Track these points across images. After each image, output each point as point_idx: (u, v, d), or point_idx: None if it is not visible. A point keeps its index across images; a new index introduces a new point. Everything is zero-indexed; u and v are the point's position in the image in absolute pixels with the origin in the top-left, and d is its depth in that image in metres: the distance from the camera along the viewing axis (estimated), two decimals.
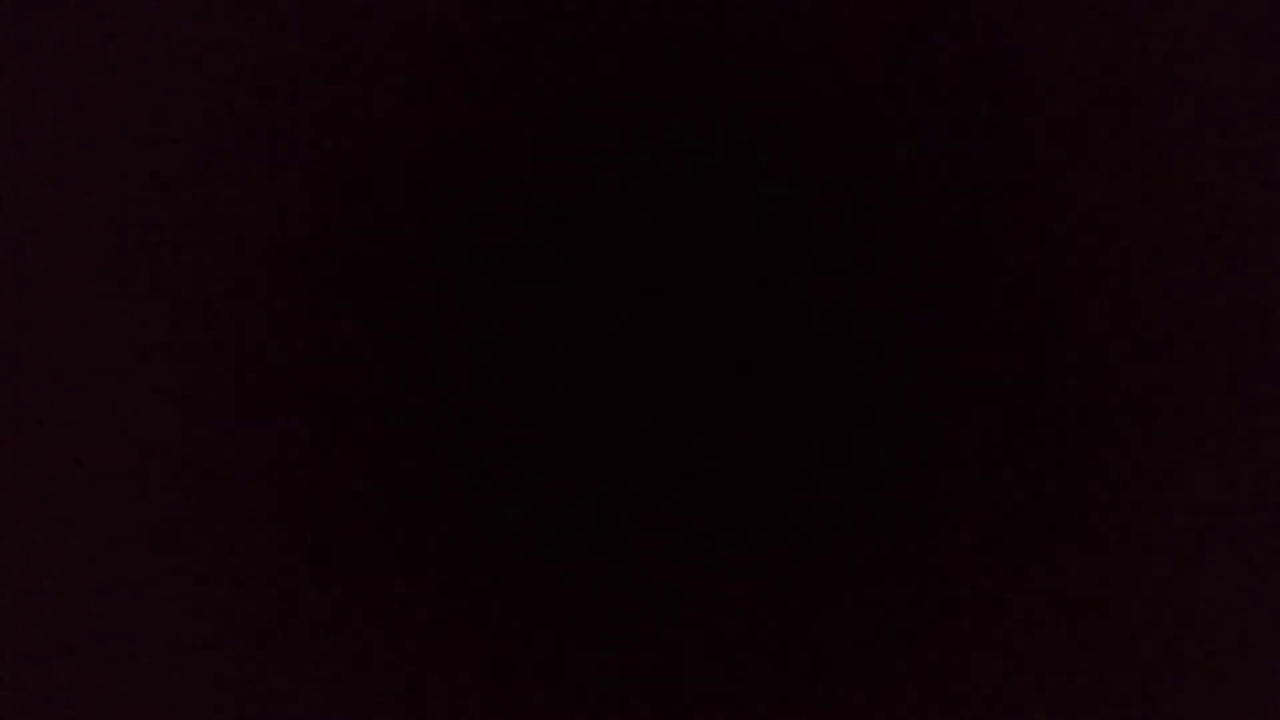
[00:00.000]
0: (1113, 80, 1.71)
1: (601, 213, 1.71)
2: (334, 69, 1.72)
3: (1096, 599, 1.68)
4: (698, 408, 1.70)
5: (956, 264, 1.70)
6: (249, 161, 1.71)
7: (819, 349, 1.70)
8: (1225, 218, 1.71)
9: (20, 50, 1.71)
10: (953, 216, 1.71)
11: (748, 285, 1.71)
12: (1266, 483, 1.69)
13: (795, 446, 1.70)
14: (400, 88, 1.72)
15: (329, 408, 1.70)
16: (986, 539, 1.69)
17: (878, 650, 1.68)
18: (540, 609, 1.69)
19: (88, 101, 1.72)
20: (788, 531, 1.69)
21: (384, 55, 1.72)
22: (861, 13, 1.71)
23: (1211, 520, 1.69)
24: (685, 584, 1.69)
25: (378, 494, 1.69)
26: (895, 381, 1.70)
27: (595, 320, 1.70)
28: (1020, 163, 1.71)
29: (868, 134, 1.71)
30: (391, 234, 1.71)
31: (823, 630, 1.68)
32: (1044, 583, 1.68)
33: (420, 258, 1.71)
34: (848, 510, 1.69)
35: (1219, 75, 1.72)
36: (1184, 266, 1.71)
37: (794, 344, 1.70)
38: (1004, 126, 1.71)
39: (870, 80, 1.71)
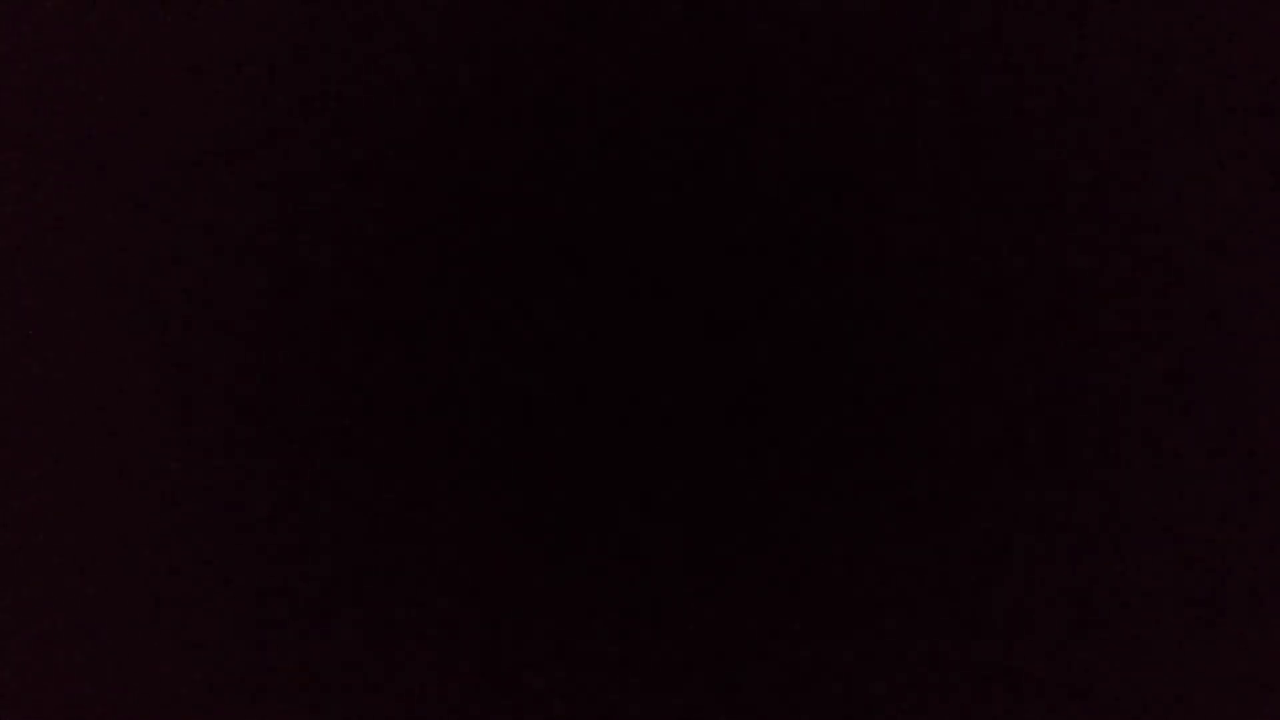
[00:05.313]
0: (1112, 80, 1.72)
1: (601, 213, 1.71)
2: (328, 69, 1.72)
3: (1096, 599, 1.68)
4: (695, 408, 1.71)
5: (957, 264, 1.70)
6: (249, 162, 1.72)
7: (818, 349, 1.70)
8: (1226, 218, 1.71)
9: (20, 50, 1.71)
10: (953, 217, 1.71)
11: (747, 285, 1.71)
12: (1266, 483, 1.69)
13: (793, 447, 1.70)
14: (398, 87, 1.72)
15: (328, 408, 1.70)
16: (986, 539, 1.69)
17: (876, 650, 1.68)
18: (539, 609, 1.69)
19: (87, 102, 1.72)
20: (786, 532, 1.69)
21: (380, 55, 1.72)
22: (861, 12, 1.71)
23: (1211, 520, 1.69)
24: (682, 584, 1.69)
25: (377, 494, 1.70)
26: (894, 381, 1.70)
27: (595, 322, 1.71)
28: (1019, 163, 1.71)
29: (865, 133, 1.71)
30: (392, 234, 1.71)
31: (820, 631, 1.68)
32: (1043, 583, 1.69)
33: (420, 258, 1.71)
34: (846, 511, 1.69)
35: (1219, 75, 1.72)
36: (1184, 266, 1.71)
37: (793, 344, 1.70)
38: (1003, 127, 1.71)
39: (868, 79, 1.71)
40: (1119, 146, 1.72)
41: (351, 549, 1.69)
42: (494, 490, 1.70)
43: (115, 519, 1.70)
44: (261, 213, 1.71)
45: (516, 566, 1.69)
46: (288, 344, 1.70)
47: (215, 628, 1.69)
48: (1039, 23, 1.72)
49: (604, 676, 1.69)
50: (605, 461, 1.70)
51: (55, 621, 1.69)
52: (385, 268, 1.71)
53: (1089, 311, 1.70)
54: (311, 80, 1.72)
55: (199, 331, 1.71)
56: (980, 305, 1.70)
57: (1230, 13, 1.72)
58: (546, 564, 1.69)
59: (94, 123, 1.73)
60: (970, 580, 1.68)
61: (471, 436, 1.70)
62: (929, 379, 1.70)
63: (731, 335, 1.70)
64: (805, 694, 1.68)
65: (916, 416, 1.70)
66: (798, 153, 1.71)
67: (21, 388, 1.70)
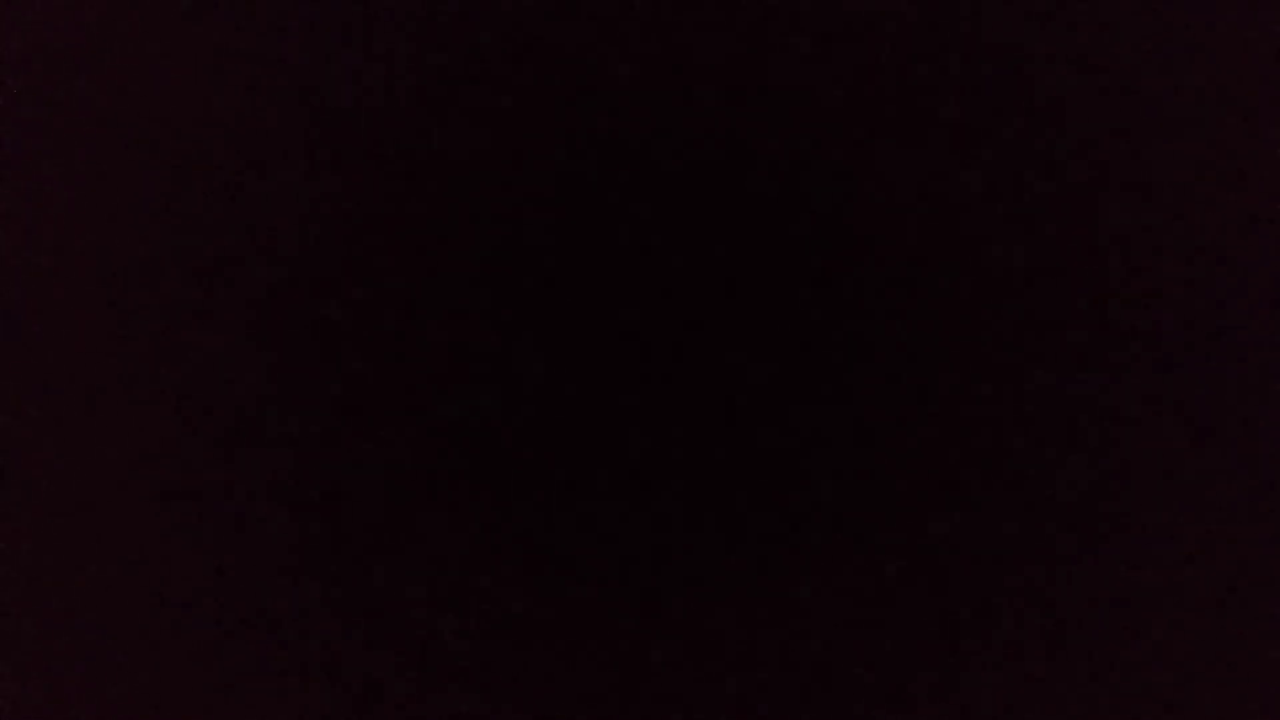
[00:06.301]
0: (1113, 80, 1.72)
1: (600, 213, 1.71)
2: (326, 69, 1.72)
3: (1094, 601, 1.68)
4: (694, 409, 1.71)
5: (956, 265, 1.70)
6: (250, 163, 1.72)
7: (817, 350, 1.70)
8: (1225, 218, 1.71)
9: (20, 50, 1.71)
10: (952, 218, 1.71)
11: (746, 286, 1.71)
12: (1266, 483, 1.69)
13: (792, 448, 1.70)
14: (397, 87, 1.72)
15: (329, 410, 1.70)
16: (984, 540, 1.69)
17: (873, 652, 1.68)
18: (538, 611, 1.69)
19: (88, 102, 1.73)
20: (785, 533, 1.69)
21: (380, 56, 1.72)
22: (860, 12, 1.71)
23: (1211, 520, 1.69)
24: (681, 586, 1.69)
25: (377, 496, 1.70)
26: (893, 381, 1.70)
27: (593, 323, 1.71)
28: (1018, 163, 1.71)
29: (863, 132, 1.71)
30: (393, 234, 1.71)
31: (819, 633, 1.69)
32: (1043, 584, 1.69)
33: (419, 258, 1.71)
34: (845, 512, 1.69)
35: (1219, 75, 1.72)
36: (1184, 267, 1.71)
37: (792, 345, 1.70)
38: (1001, 127, 1.71)
39: (868, 80, 1.71)
40: (1119, 145, 1.72)
41: (351, 550, 1.69)
42: (493, 491, 1.70)
43: (113, 519, 1.70)
44: (260, 212, 1.72)
45: (515, 567, 1.69)
46: (286, 344, 1.71)
47: (214, 628, 1.69)
48: (1038, 22, 1.72)
49: (601, 676, 1.69)
50: (604, 461, 1.70)
51: (55, 621, 1.69)
52: (384, 268, 1.71)
53: (1088, 312, 1.70)
54: (311, 79, 1.72)
55: (197, 331, 1.71)
56: (979, 305, 1.70)
57: (1230, 13, 1.72)
58: (545, 565, 1.69)
59: (94, 122, 1.73)
60: (969, 580, 1.68)
61: (472, 437, 1.70)
62: (928, 379, 1.70)
63: (728, 335, 1.70)
64: (802, 695, 1.68)
65: (915, 416, 1.70)
66: (796, 152, 1.71)
67: (21, 387, 1.70)
